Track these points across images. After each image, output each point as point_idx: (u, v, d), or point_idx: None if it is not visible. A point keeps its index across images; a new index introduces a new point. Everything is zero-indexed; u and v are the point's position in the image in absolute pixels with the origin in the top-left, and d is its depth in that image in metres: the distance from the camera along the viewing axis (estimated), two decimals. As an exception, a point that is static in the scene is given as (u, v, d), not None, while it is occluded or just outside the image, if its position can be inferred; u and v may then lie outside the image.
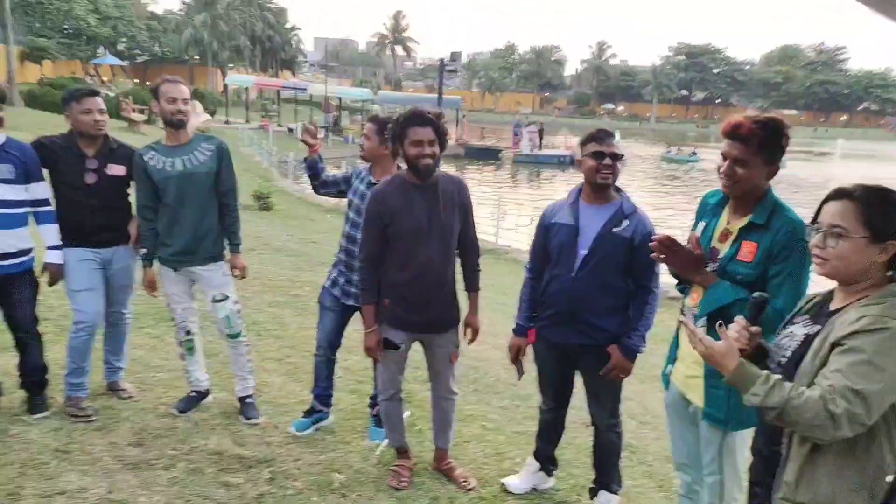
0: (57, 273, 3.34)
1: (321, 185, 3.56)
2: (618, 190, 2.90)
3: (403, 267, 2.89)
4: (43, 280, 3.36)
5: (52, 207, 3.32)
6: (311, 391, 3.60)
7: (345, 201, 3.51)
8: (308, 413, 3.57)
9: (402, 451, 3.23)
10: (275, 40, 59.74)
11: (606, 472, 3.07)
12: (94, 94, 3.40)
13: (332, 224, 11.29)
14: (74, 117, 3.34)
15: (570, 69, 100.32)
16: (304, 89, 39.16)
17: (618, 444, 3.04)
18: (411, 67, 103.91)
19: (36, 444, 3.06)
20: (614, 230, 2.78)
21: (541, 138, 34.94)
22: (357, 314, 3.34)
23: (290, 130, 30.97)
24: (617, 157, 2.78)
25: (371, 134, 3.35)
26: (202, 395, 3.68)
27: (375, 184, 3.24)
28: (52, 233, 3.32)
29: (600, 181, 2.79)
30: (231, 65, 55.35)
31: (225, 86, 45.85)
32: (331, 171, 3.59)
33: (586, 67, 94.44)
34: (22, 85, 26.23)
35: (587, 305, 2.82)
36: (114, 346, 3.71)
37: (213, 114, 32.90)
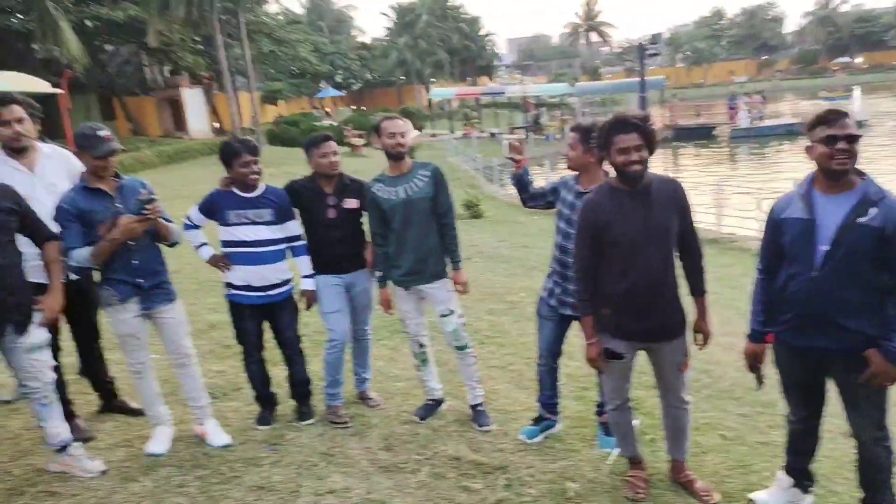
0: (312, 298, 3.83)
1: (529, 198, 3.65)
2: (860, 174, 2.57)
3: (621, 276, 2.84)
4: (301, 305, 3.88)
5: (304, 241, 3.82)
6: (537, 399, 3.70)
7: None
8: (536, 421, 3.67)
9: (635, 461, 3.17)
10: (471, 49, 61.80)
11: (876, 492, 2.72)
12: (328, 139, 3.85)
13: (540, 226, 11.37)
14: (315, 161, 3.80)
15: (790, 26, 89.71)
16: (502, 93, 39.92)
17: (888, 459, 2.67)
18: (608, 52, 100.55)
19: (306, 447, 3.53)
20: (859, 220, 2.47)
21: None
22: (576, 322, 3.36)
23: (493, 135, 31.80)
24: (853, 139, 2.46)
25: (575, 143, 3.34)
26: (438, 402, 3.97)
27: (583, 193, 3.23)
28: (305, 263, 3.81)
29: (836, 167, 2.49)
30: (433, 79, 58.44)
31: (429, 100, 48.57)
32: (537, 185, 3.67)
33: (810, 20, 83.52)
34: (263, 126, 30.36)
35: (835, 305, 2.53)
36: (360, 359, 4.16)
37: (420, 129, 35.05)
